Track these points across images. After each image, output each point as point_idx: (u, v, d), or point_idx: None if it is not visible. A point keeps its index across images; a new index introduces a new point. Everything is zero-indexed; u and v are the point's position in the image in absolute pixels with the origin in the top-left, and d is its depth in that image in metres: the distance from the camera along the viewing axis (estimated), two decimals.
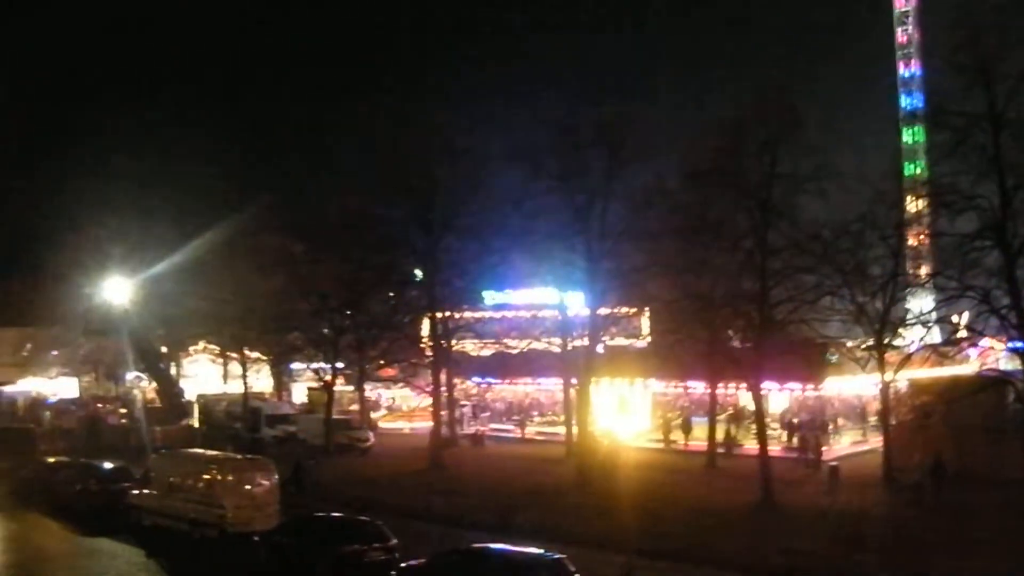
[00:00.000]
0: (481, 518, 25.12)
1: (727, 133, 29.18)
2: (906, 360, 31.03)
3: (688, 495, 28.46)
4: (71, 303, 48.98)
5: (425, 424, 43.28)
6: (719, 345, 33.15)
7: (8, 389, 57.14)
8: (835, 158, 29.13)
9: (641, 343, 48.91)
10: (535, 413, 48.64)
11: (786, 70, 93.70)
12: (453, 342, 42.60)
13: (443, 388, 41.02)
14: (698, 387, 39.91)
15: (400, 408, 53.79)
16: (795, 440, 36.48)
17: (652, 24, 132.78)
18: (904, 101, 67.69)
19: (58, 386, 59.61)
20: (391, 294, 43.80)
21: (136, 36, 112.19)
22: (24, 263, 53.47)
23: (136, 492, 26.61)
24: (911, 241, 33.09)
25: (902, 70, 69.14)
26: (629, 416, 42.86)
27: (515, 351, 42.86)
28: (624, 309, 45.21)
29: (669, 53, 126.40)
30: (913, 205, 30.61)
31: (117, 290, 46.16)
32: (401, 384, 48.54)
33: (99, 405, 54.23)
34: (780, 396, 40.63)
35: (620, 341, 47.59)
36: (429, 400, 41.82)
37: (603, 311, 37.69)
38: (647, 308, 46.64)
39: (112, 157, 50.50)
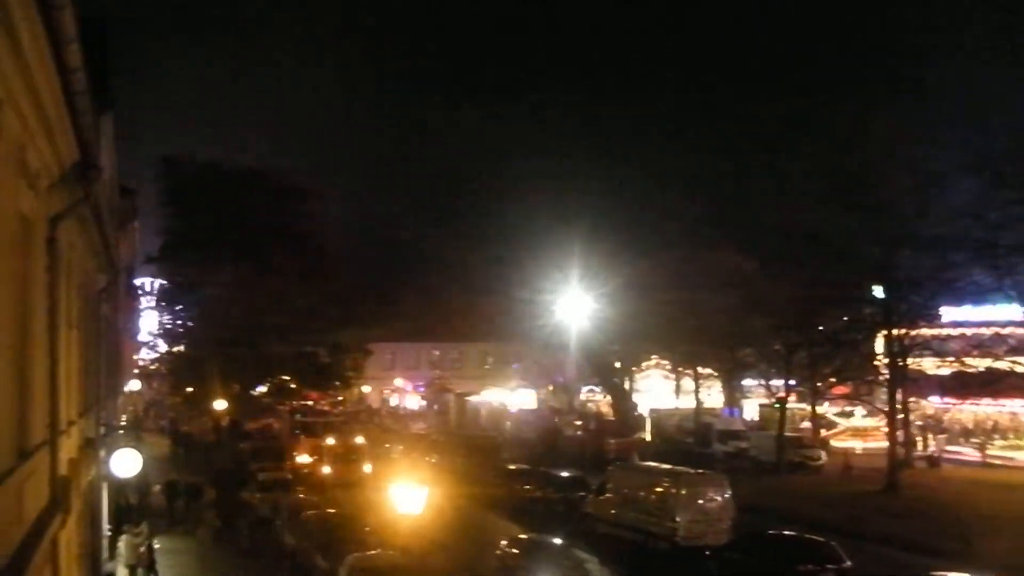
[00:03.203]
0: (940, 544, 30.60)
1: None
2: None
3: None
4: (530, 320, 69.78)
5: (878, 444, 55.90)
6: None
7: (473, 399, 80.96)
8: None
9: None
10: (996, 436, 58.81)
11: None
12: (909, 360, 52.45)
13: (898, 407, 52.09)
14: None
15: (852, 427, 66.81)
16: None
17: None
18: None
19: (517, 397, 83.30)
20: (845, 310, 56.88)
21: (587, 49, 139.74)
22: (486, 284, 76.80)
23: (592, 501, 35.82)
24: None
25: None
26: None
27: (975, 370, 52.04)
28: None
29: None
30: None
31: (574, 306, 65.02)
32: (855, 402, 62.18)
33: (556, 417, 74.70)
34: None
35: None
36: (882, 420, 54.06)
37: None
38: None
39: (566, 178, 71.04)
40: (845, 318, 56.81)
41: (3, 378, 8.71)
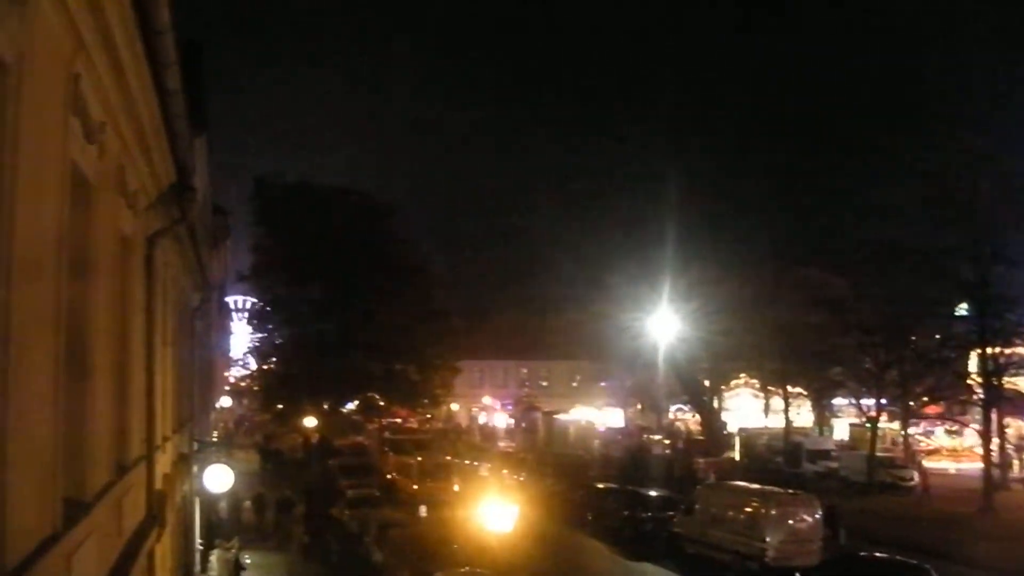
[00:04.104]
0: None
1: None
2: None
3: None
4: (619, 338, 69.83)
5: (972, 465, 54.91)
6: None
7: (561, 417, 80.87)
8: None
9: None
10: None
11: None
12: (1005, 379, 51.49)
13: (993, 428, 51.23)
14: None
15: (944, 448, 65.75)
16: None
17: None
18: None
19: (605, 416, 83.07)
20: (937, 328, 56.06)
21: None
22: (575, 302, 77.09)
23: (680, 520, 35.71)
24: None
25: None
26: None
27: None
28: None
29: None
30: None
31: (663, 324, 64.67)
32: (948, 422, 61.06)
33: (644, 435, 74.70)
34: None
35: None
36: (976, 440, 53.34)
37: None
38: None
39: (655, 197, 71.36)
40: (937, 336, 55.70)
41: (104, 394, 8.90)
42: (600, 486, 46.28)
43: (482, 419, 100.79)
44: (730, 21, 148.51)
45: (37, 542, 5.92)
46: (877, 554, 28.33)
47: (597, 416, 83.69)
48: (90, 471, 8.04)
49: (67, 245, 6.73)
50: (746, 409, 76.58)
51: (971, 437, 57.80)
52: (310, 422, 62.57)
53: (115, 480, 9.47)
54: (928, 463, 59.87)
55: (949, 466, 60.43)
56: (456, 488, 47.75)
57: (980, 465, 49.88)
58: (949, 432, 65.20)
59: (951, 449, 63.42)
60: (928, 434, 65.19)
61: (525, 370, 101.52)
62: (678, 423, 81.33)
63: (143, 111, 9.53)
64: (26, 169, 5.46)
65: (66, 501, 6.81)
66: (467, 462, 59.11)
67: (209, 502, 30.73)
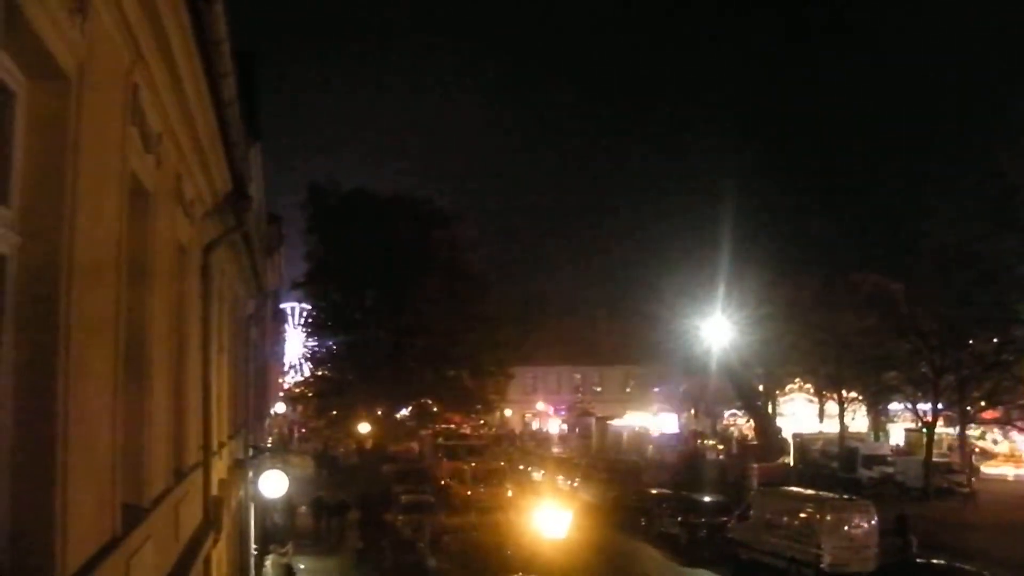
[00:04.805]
0: None
1: None
2: None
3: None
4: (673, 343, 69.79)
5: None
6: None
7: (614, 423, 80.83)
8: None
9: None
10: None
11: None
12: None
13: None
14: None
15: (1004, 453, 64.66)
16: None
17: None
18: None
19: (659, 421, 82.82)
20: (994, 332, 55.26)
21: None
22: (628, 307, 77.09)
23: (735, 526, 35.65)
24: None
25: None
26: None
27: None
28: None
29: None
30: None
31: (717, 329, 64.64)
32: (1008, 427, 60.11)
33: (698, 441, 74.43)
34: None
35: None
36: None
37: None
38: None
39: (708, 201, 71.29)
40: (995, 340, 54.93)
41: (161, 401, 9.00)
42: (654, 491, 46.15)
43: (535, 425, 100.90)
44: (781, 27, 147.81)
45: (97, 547, 5.99)
46: (934, 561, 27.90)
47: (651, 421, 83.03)
48: (148, 477, 8.12)
49: (126, 253, 6.81)
50: (801, 414, 75.62)
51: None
52: (364, 428, 62.92)
53: (172, 486, 9.56)
54: (987, 468, 59.27)
55: (1009, 471, 59.39)
56: (510, 494, 47.89)
57: None
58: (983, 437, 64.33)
59: (1009, 455, 62.34)
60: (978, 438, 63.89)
61: (578, 375, 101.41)
62: (732, 428, 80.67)
63: (199, 121, 9.62)
64: (86, 178, 5.53)
65: (124, 507, 6.88)
66: (521, 468, 59.25)
67: (264, 507, 30.99)
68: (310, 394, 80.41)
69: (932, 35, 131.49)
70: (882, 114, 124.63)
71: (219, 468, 15.12)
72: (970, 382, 54.13)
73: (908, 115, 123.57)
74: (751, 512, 35.66)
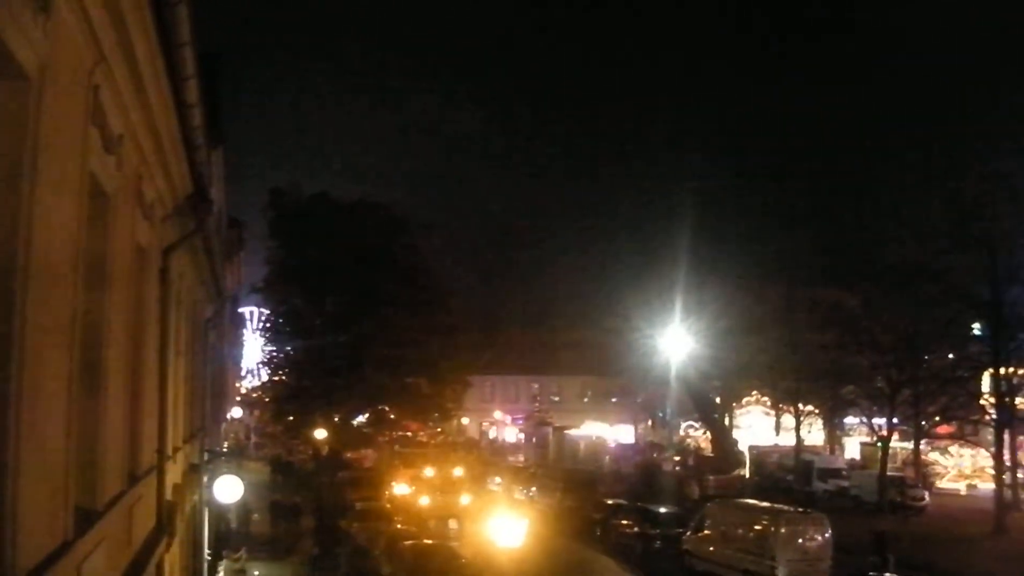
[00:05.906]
0: None
1: None
2: None
3: None
4: (630, 354, 70.00)
5: (984, 485, 54.76)
6: None
7: (571, 433, 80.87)
8: None
9: None
10: None
11: None
12: (1018, 399, 51.65)
13: (1005, 449, 51.23)
14: None
15: (953, 469, 65.35)
16: None
17: None
18: None
19: (616, 432, 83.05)
20: (951, 348, 55.90)
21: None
22: (586, 317, 77.20)
23: (689, 537, 35.99)
24: None
25: None
26: None
27: None
28: None
29: None
30: None
31: (675, 341, 65.13)
32: (959, 443, 60.73)
33: (655, 452, 74.57)
34: None
35: None
36: (988, 461, 53.51)
37: None
38: None
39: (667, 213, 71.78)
40: (951, 356, 55.60)
41: (117, 404, 8.93)
42: (610, 502, 46.45)
43: (492, 433, 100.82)
44: (735, 34, 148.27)
45: (48, 550, 5.95)
46: (887, 574, 28.90)
47: (608, 432, 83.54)
48: (101, 480, 8.07)
49: (83, 254, 6.77)
50: (757, 427, 76.31)
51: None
52: (321, 434, 62.56)
53: (126, 489, 9.50)
54: (940, 484, 59.71)
55: (960, 487, 59.95)
56: (465, 502, 47.83)
57: (991, 486, 49.92)
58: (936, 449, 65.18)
59: (962, 471, 63.10)
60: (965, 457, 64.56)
61: (536, 385, 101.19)
62: (689, 440, 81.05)
63: (161, 123, 9.59)
64: (45, 178, 5.50)
65: (77, 510, 6.83)
66: (477, 476, 59.17)
67: (219, 512, 30.79)
68: (267, 399, 79.82)
69: (898, 55, 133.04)
70: (843, 131, 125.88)
71: (174, 472, 15.02)
72: (925, 397, 54.32)
73: (869, 133, 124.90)
74: (706, 523, 35.78)
